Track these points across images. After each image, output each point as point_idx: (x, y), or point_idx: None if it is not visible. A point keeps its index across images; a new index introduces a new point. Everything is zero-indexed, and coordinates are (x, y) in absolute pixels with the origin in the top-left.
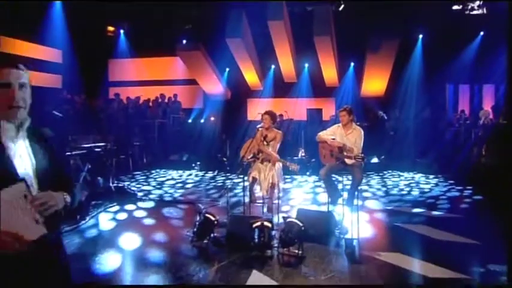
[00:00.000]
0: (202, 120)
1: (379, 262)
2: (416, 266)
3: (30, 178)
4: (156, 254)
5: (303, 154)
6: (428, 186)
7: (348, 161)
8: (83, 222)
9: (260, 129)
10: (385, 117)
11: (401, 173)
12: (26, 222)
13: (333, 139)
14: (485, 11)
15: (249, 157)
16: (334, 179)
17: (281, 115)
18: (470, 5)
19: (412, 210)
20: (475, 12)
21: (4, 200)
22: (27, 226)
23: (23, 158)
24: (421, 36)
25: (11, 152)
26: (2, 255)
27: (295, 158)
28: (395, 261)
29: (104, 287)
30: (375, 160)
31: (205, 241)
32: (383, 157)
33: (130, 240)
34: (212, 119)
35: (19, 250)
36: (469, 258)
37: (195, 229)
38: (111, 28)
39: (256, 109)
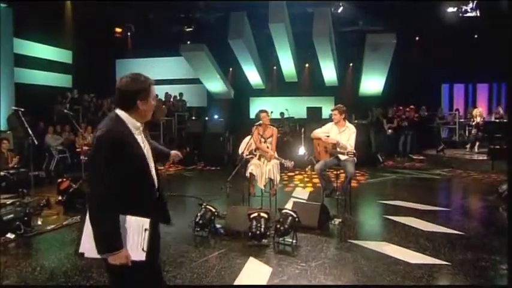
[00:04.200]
0: (206, 118)
1: (366, 250)
2: (400, 253)
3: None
4: (160, 242)
5: (304, 151)
6: (421, 181)
7: (341, 156)
8: None
9: (257, 127)
10: (382, 116)
11: (396, 170)
12: (137, 247)
13: (327, 136)
14: (478, 14)
15: (246, 153)
16: (328, 173)
17: (282, 113)
18: (464, 7)
19: (401, 204)
20: (468, 14)
21: (132, 225)
22: (137, 249)
23: (147, 146)
24: (417, 38)
25: (142, 146)
26: (116, 265)
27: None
28: (381, 249)
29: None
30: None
31: (206, 230)
32: (379, 154)
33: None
34: (216, 117)
35: (126, 265)
36: (451, 247)
37: (197, 220)
38: (118, 29)
39: (258, 107)
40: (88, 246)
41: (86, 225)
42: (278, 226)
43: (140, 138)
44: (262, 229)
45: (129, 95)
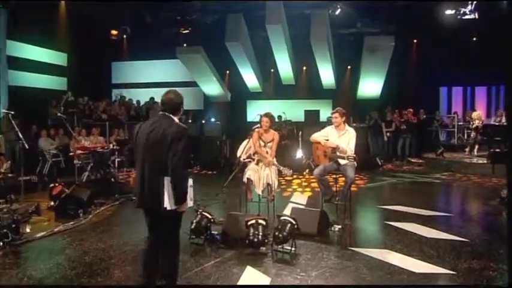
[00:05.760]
0: (202, 121)
1: (367, 258)
2: (404, 262)
3: None
4: None
5: (301, 154)
6: (421, 185)
7: (341, 161)
8: (86, 219)
9: (256, 130)
10: (380, 119)
11: (395, 173)
12: (188, 198)
13: (327, 140)
14: (476, 16)
15: (244, 157)
16: (327, 178)
17: (279, 116)
18: (463, 10)
19: (402, 209)
20: (467, 17)
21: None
22: (189, 199)
23: None
24: (415, 40)
25: None
26: (182, 211)
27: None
28: (383, 257)
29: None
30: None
31: (201, 238)
32: (378, 157)
33: (131, 237)
34: (212, 120)
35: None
36: (456, 255)
37: (193, 227)
38: (114, 32)
39: (255, 110)
40: (167, 203)
41: (165, 189)
42: (277, 233)
43: None
44: (260, 236)
45: (180, 105)
